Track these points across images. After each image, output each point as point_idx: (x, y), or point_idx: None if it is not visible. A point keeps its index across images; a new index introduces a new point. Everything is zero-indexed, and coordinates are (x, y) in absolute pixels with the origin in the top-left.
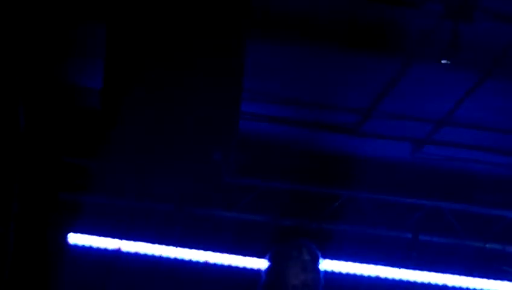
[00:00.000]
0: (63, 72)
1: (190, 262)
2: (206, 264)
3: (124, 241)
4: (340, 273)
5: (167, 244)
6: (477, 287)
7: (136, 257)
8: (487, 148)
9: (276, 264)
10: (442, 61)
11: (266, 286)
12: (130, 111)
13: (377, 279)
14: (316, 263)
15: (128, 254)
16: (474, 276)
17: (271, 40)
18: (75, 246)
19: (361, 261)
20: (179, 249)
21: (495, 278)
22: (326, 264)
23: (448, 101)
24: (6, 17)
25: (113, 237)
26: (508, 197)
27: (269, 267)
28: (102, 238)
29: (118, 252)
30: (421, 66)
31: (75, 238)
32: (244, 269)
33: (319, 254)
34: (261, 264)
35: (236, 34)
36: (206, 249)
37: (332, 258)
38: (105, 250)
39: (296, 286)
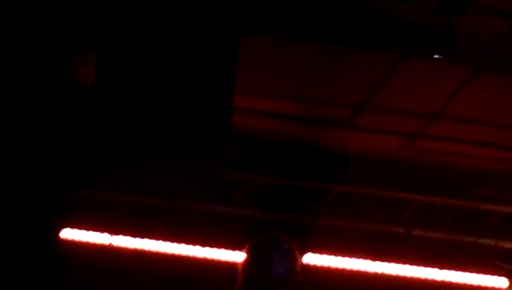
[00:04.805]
0: (57, 67)
1: (181, 256)
2: (198, 259)
3: (116, 236)
4: (333, 268)
5: (158, 238)
6: (470, 282)
7: (128, 251)
8: (480, 143)
9: (257, 256)
10: (435, 56)
11: (249, 278)
12: (123, 106)
13: (370, 274)
14: (294, 252)
15: (119, 248)
16: (467, 271)
17: (264, 35)
18: (68, 240)
19: (354, 256)
20: (170, 243)
21: (488, 273)
22: (319, 259)
23: (441, 95)
24: (1, 13)
25: (105, 231)
26: (501, 191)
27: (250, 260)
28: (94, 232)
29: (109, 247)
30: (415, 61)
31: (68, 233)
32: (236, 264)
33: (294, 245)
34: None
35: (229, 29)
36: (198, 244)
37: (325, 253)
38: (97, 244)
39: (282, 274)
